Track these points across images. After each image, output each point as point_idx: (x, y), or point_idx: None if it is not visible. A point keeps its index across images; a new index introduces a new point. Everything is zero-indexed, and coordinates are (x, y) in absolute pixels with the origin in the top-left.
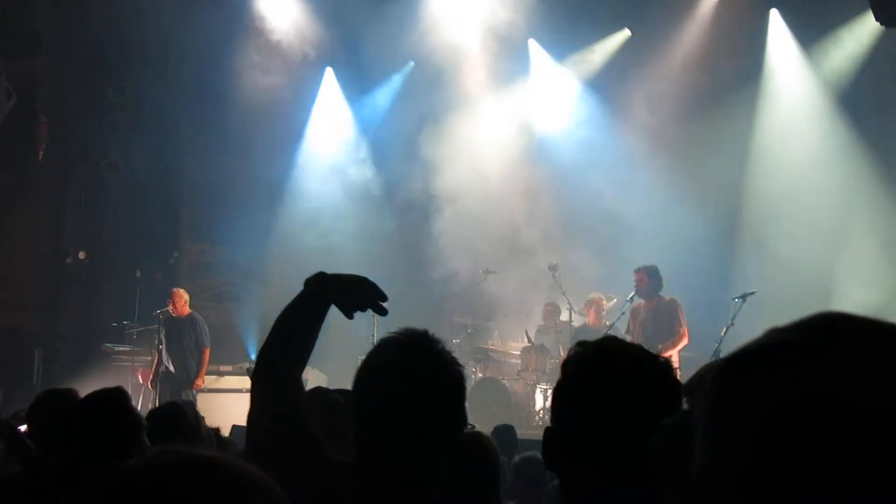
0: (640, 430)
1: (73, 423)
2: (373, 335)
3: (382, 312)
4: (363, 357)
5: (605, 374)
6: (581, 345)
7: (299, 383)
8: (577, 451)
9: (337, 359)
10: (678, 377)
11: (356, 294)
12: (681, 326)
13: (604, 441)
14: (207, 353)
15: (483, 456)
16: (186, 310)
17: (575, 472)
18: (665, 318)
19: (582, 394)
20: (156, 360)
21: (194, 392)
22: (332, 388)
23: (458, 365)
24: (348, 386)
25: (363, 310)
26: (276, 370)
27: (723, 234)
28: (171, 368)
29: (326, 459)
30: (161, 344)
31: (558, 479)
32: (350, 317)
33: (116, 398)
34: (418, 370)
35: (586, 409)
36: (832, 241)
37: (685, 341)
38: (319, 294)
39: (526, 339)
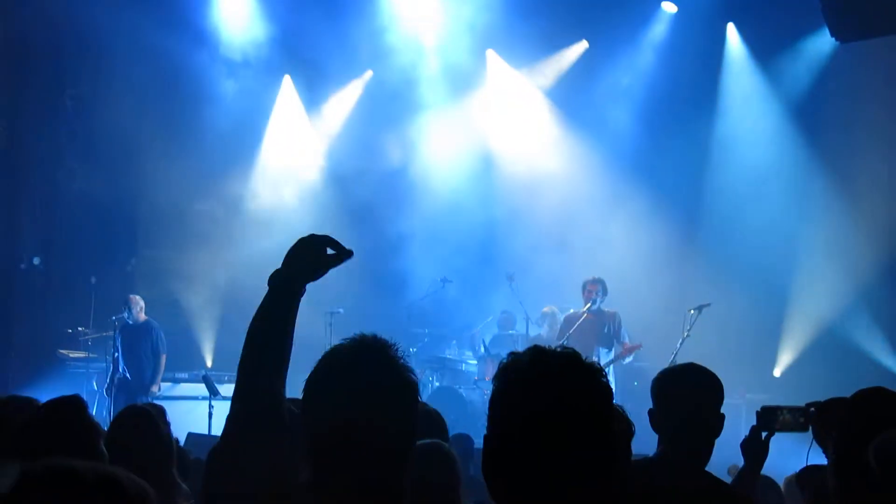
0: (569, 437)
1: (31, 430)
2: (330, 343)
3: (348, 254)
4: None
5: (535, 381)
6: (513, 353)
7: (282, 396)
8: (508, 459)
9: (293, 365)
10: (609, 383)
11: (320, 262)
12: (623, 339)
13: (532, 448)
14: (164, 359)
15: (443, 465)
16: (143, 316)
17: (504, 480)
18: (607, 328)
19: (513, 401)
20: (113, 367)
21: (150, 398)
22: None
23: (410, 369)
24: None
25: (335, 265)
26: (258, 384)
27: (678, 245)
28: (128, 376)
29: (288, 483)
30: (117, 351)
31: (486, 486)
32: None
33: (75, 406)
34: (368, 377)
35: (518, 416)
36: (788, 253)
37: (633, 346)
38: (287, 287)
39: (482, 348)
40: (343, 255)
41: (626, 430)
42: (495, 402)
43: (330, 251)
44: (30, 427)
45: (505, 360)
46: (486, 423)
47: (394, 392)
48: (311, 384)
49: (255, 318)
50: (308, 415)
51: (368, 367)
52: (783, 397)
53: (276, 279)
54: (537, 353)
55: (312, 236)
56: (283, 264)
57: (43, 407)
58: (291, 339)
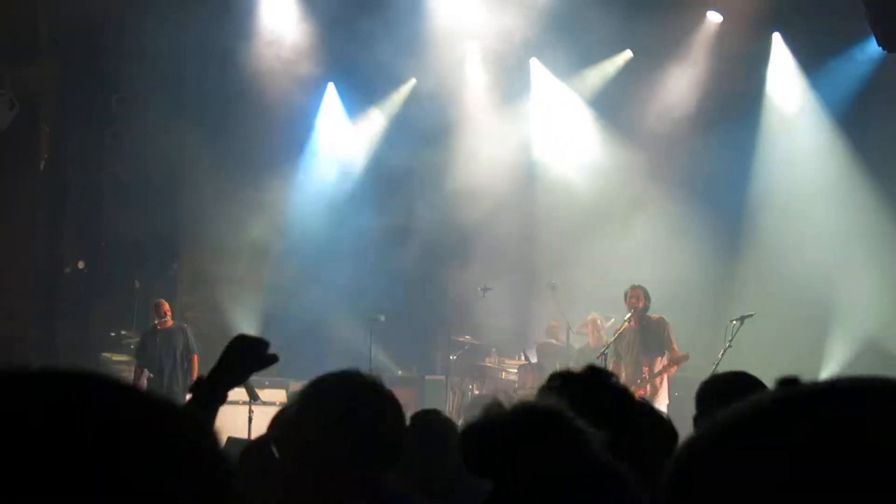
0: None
1: None
2: (370, 349)
3: (271, 361)
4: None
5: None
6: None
7: None
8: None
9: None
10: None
11: (248, 367)
12: (672, 344)
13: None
14: (196, 359)
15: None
16: (170, 322)
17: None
18: (655, 336)
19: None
20: (137, 372)
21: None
22: None
23: (385, 397)
24: None
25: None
26: None
27: (722, 256)
28: (160, 378)
29: None
30: (157, 358)
31: None
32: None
33: None
34: (330, 406)
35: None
36: (832, 266)
37: (681, 356)
38: (212, 400)
39: (523, 357)
40: (266, 362)
41: (672, 437)
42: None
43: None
44: None
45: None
46: None
47: (355, 415)
48: (281, 414)
49: None
50: (280, 444)
51: (332, 397)
52: None
53: (200, 390)
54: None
55: (243, 339)
56: (209, 376)
57: None
58: None
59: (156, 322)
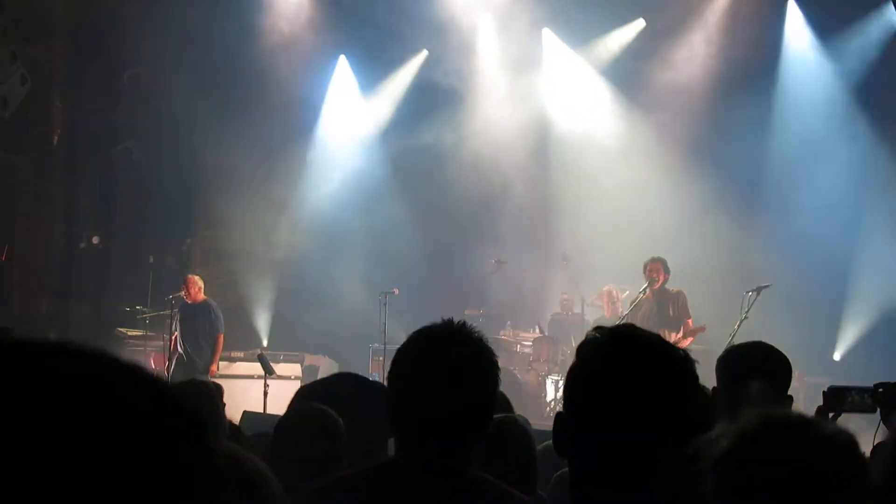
0: (653, 420)
1: None
2: (384, 323)
3: None
4: (375, 345)
5: (621, 361)
6: (598, 329)
7: None
8: (588, 438)
9: (348, 346)
10: (695, 368)
11: None
12: (688, 317)
13: (615, 428)
14: (221, 339)
15: (521, 440)
16: (201, 296)
17: (584, 459)
18: (672, 308)
19: (595, 379)
20: (171, 346)
21: (209, 377)
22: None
23: (491, 352)
24: (361, 371)
25: None
26: None
27: (737, 225)
28: (186, 355)
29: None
30: (176, 330)
31: (568, 465)
32: None
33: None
34: (453, 358)
35: (599, 395)
36: (848, 233)
37: (696, 329)
38: None
39: (538, 330)
40: None
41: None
42: (575, 377)
43: None
44: None
45: (589, 336)
46: (541, 405)
47: (476, 373)
48: (397, 364)
49: None
50: (394, 392)
51: (453, 350)
52: (843, 381)
53: None
54: (623, 333)
55: None
56: None
57: None
58: None
59: (181, 296)
